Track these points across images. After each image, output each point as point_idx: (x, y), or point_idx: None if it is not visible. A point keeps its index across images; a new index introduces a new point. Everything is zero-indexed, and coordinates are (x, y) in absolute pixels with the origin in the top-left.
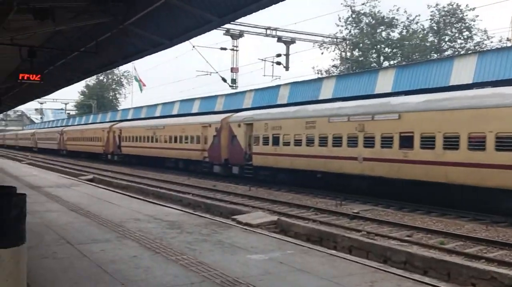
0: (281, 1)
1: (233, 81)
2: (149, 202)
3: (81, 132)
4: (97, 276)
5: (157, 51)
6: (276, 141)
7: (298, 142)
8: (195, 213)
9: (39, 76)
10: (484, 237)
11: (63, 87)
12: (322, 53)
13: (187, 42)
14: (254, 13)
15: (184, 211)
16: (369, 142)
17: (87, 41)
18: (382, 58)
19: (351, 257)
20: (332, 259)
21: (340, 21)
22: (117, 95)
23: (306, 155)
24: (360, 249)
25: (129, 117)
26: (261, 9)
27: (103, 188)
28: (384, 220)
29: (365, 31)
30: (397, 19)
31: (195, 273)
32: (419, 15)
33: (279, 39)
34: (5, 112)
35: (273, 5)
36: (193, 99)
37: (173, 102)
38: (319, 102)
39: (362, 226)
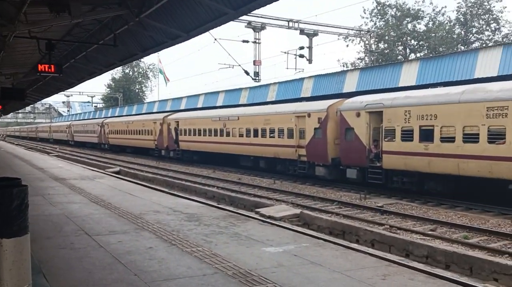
0: None
1: (256, 74)
2: (170, 194)
3: (127, 124)
4: (112, 266)
5: (175, 44)
6: (427, 135)
7: (470, 138)
8: (215, 205)
9: (57, 68)
10: (509, 231)
11: (86, 80)
12: (347, 45)
13: (208, 35)
14: (273, 5)
15: (204, 204)
16: None
17: (106, 34)
18: (408, 50)
19: (366, 250)
20: (346, 252)
21: (365, 13)
22: (143, 88)
23: (486, 157)
24: (382, 243)
25: (155, 110)
26: (275, 0)
27: (127, 180)
28: (408, 214)
29: (390, 23)
30: (423, 11)
31: (209, 265)
32: (445, 7)
33: (302, 31)
34: (32, 105)
35: None
36: (217, 92)
37: (197, 95)
38: (343, 96)
39: (385, 219)
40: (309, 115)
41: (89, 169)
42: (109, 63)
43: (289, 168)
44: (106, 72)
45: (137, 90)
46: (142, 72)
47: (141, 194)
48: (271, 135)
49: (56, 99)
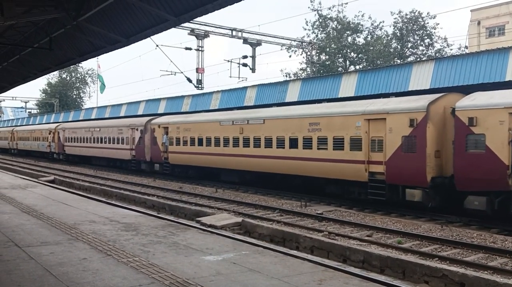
0: (237, 2)
1: (199, 82)
2: (107, 203)
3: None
4: (42, 278)
5: (114, 49)
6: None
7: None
8: (154, 214)
9: None
10: (439, 236)
11: (20, 84)
12: (290, 56)
13: (150, 41)
14: (217, 14)
15: (143, 213)
16: None
17: (41, 37)
18: (348, 62)
19: (304, 256)
20: (285, 259)
21: (307, 25)
22: (81, 94)
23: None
24: (321, 249)
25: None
26: (217, 9)
27: (62, 189)
28: (346, 220)
29: (331, 35)
30: (362, 25)
31: (145, 275)
32: (383, 22)
33: (245, 41)
34: None
35: (233, 5)
36: (159, 100)
37: (138, 102)
38: (286, 105)
39: (324, 226)
40: None
41: (21, 177)
42: (44, 68)
43: None
44: (42, 77)
45: (74, 96)
46: (80, 77)
47: (76, 203)
48: None
49: None
